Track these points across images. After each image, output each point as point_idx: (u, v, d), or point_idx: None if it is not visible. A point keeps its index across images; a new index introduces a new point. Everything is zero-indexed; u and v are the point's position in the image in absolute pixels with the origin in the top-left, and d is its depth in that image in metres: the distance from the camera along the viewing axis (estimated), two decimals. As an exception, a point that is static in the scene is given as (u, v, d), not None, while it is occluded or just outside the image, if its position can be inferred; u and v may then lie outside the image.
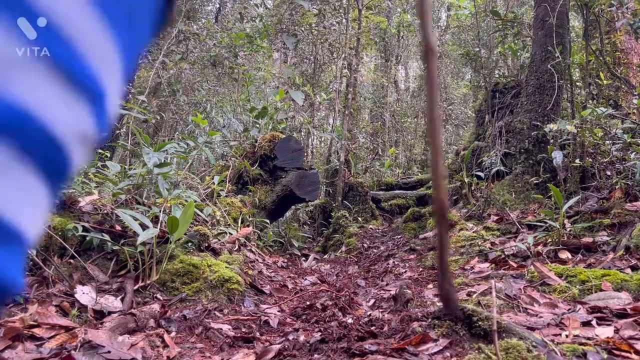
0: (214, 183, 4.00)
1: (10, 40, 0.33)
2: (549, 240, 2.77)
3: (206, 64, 9.66)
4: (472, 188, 4.34)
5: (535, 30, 4.81)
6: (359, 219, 6.65)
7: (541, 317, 1.66)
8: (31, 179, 0.34)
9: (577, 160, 3.61)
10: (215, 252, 2.84)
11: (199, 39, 9.41)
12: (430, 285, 2.46)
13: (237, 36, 8.08)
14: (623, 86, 5.18)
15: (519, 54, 5.87)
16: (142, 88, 9.16)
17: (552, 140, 3.97)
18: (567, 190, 3.66)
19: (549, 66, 4.39)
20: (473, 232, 3.43)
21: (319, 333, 1.71)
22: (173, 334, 1.66)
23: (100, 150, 4.81)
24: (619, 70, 5.30)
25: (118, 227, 2.32)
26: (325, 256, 4.99)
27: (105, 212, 2.44)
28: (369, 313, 2.04)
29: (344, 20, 9.65)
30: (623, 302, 1.72)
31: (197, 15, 11.56)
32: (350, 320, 1.88)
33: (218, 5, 13.06)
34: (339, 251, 4.91)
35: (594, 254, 2.51)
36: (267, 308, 2.20)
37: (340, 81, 9.17)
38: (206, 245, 2.81)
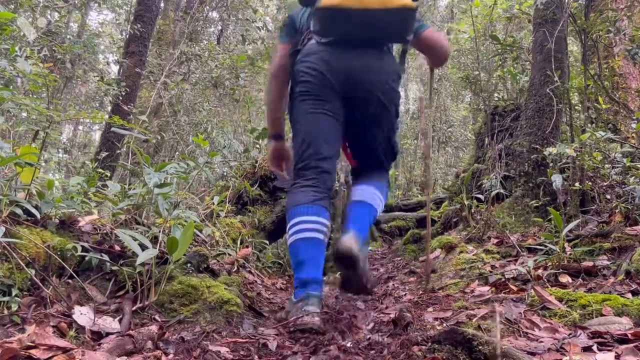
0: (213, 203, 4.00)
1: None
2: (550, 263, 2.76)
3: (207, 85, 9.74)
4: (472, 210, 4.33)
5: (534, 55, 4.86)
6: (359, 240, 6.60)
7: (542, 341, 1.65)
8: None
9: (577, 184, 3.62)
10: (214, 273, 2.83)
11: (200, 60, 9.50)
12: (430, 309, 2.44)
13: (238, 58, 8.16)
14: (622, 110, 5.21)
15: (518, 77, 5.91)
16: (144, 108, 9.22)
17: (551, 164, 3.98)
18: (567, 213, 3.66)
19: (547, 90, 4.42)
20: (473, 254, 3.42)
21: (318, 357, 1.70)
22: (171, 356, 1.65)
23: (100, 170, 4.82)
24: (617, 95, 5.34)
25: (117, 247, 2.31)
26: (324, 278, 4.95)
27: (105, 232, 2.44)
28: (368, 337, 2.02)
29: (344, 43, 9.74)
30: (624, 327, 1.71)
31: (199, 37, 11.69)
32: (349, 344, 1.87)
33: (220, 28, 13.22)
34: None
35: (595, 278, 2.50)
36: (266, 330, 2.18)
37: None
38: (205, 266, 2.80)
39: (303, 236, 2.14)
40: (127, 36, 9.53)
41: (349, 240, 1.99)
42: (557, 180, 3.62)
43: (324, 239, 2.17)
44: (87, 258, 2.12)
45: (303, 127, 2.29)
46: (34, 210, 2.08)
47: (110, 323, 1.80)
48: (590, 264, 2.62)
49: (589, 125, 4.24)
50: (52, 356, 1.41)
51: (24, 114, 4.87)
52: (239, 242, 3.79)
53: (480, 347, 1.39)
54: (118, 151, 7.18)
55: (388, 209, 7.89)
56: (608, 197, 3.71)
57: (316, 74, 2.21)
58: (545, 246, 3.00)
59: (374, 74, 2.24)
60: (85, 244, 2.16)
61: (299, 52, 2.34)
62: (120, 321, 1.85)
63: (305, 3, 2.36)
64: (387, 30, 2.21)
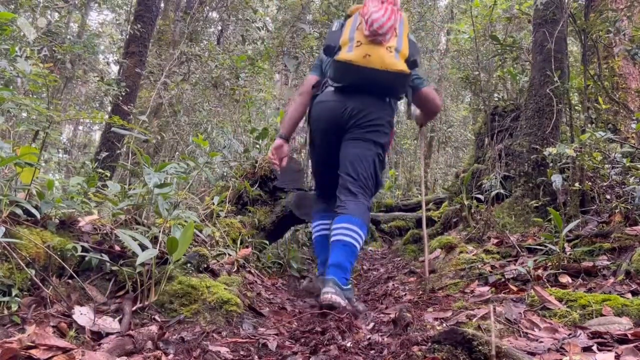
0: (213, 203, 4.00)
1: None
2: (549, 264, 2.76)
3: (207, 85, 9.74)
4: (472, 211, 4.33)
5: (534, 55, 4.86)
6: (359, 240, 6.60)
7: (542, 342, 1.65)
8: None
9: (577, 184, 3.62)
10: (214, 273, 2.83)
11: (201, 60, 9.49)
12: (430, 309, 2.45)
13: (238, 58, 8.16)
14: (621, 110, 5.21)
15: (518, 78, 5.91)
16: (144, 108, 9.22)
17: (551, 164, 3.98)
18: (566, 213, 3.66)
19: (547, 90, 4.42)
20: (473, 255, 3.42)
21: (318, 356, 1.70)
22: (171, 356, 1.65)
23: (100, 170, 4.82)
24: (617, 95, 5.35)
25: (117, 248, 2.32)
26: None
27: (105, 232, 2.44)
28: (368, 337, 2.02)
29: (344, 43, 9.70)
30: (624, 327, 1.71)
31: (199, 37, 11.69)
32: (349, 344, 1.87)
33: (220, 28, 13.22)
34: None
35: (595, 278, 2.50)
36: (266, 331, 2.18)
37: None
38: (205, 266, 2.80)
39: (318, 234, 3.18)
40: (127, 36, 9.52)
41: (329, 293, 2.43)
42: (557, 180, 3.62)
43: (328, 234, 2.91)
44: (87, 258, 2.12)
45: (315, 159, 3.22)
46: (34, 211, 2.08)
47: (110, 323, 1.81)
48: (590, 264, 2.62)
49: (589, 125, 4.24)
50: (52, 356, 1.41)
51: (24, 114, 4.87)
52: (239, 242, 3.79)
53: (480, 347, 1.39)
54: (118, 151, 7.18)
55: (388, 209, 7.89)
56: (608, 197, 3.71)
57: (325, 115, 2.94)
58: (545, 246, 3.00)
59: (369, 114, 2.86)
60: (85, 244, 2.17)
61: (317, 96, 3.04)
62: (120, 321, 1.85)
63: (327, 54, 2.94)
64: (384, 86, 2.86)
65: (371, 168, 2.89)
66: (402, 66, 2.72)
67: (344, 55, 2.73)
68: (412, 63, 2.80)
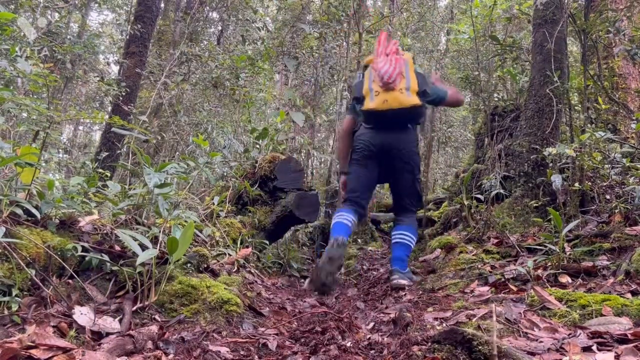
0: (213, 203, 4.00)
1: None
2: (549, 264, 2.76)
3: (208, 85, 9.74)
4: (472, 211, 4.33)
5: (533, 55, 4.86)
6: (359, 240, 6.63)
7: (541, 341, 1.65)
8: None
9: (577, 184, 3.62)
10: (214, 273, 2.83)
11: (201, 60, 9.49)
12: (430, 309, 2.45)
13: (238, 58, 8.16)
14: (621, 110, 5.21)
15: (517, 78, 5.91)
16: (144, 108, 9.22)
17: (551, 164, 3.98)
18: (566, 213, 3.66)
19: (547, 90, 4.42)
20: (473, 255, 3.42)
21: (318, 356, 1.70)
22: (171, 356, 1.65)
23: (100, 170, 4.82)
24: (617, 95, 5.34)
25: (117, 248, 2.32)
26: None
27: (105, 232, 2.44)
28: (368, 336, 2.02)
29: (344, 44, 9.75)
30: (624, 327, 1.71)
31: (199, 38, 11.69)
32: (349, 344, 1.87)
33: (220, 28, 13.22)
34: (338, 273, 4.88)
35: (594, 278, 2.50)
36: (266, 330, 2.19)
37: (340, 103, 9.24)
38: (205, 266, 2.80)
39: (338, 220, 3.39)
40: (128, 36, 9.52)
41: (397, 279, 3.20)
42: (556, 180, 3.62)
43: (351, 226, 3.37)
44: (87, 258, 2.12)
45: (352, 178, 3.64)
46: (34, 211, 2.08)
47: (110, 323, 1.81)
48: (590, 264, 2.62)
49: (589, 125, 4.24)
50: (52, 356, 1.41)
51: (24, 114, 4.88)
52: (239, 242, 3.79)
53: (479, 347, 1.39)
54: (118, 151, 7.19)
55: (388, 209, 7.89)
56: (608, 197, 3.71)
57: (364, 147, 3.55)
58: (545, 246, 3.00)
59: (399, 143, 3.48)
60: (86, 244, 2.17)
61: (356, 132, 3.69)
62: (120, 321, 1.85)
63: (356, 103, 3.61)
64: (405, 118, 3.47)
65: (417, 194, 3.64)
66: (415, 100, 3.35)
67: (367, 105, 3.43)
68: (422, 93, 3.46)
